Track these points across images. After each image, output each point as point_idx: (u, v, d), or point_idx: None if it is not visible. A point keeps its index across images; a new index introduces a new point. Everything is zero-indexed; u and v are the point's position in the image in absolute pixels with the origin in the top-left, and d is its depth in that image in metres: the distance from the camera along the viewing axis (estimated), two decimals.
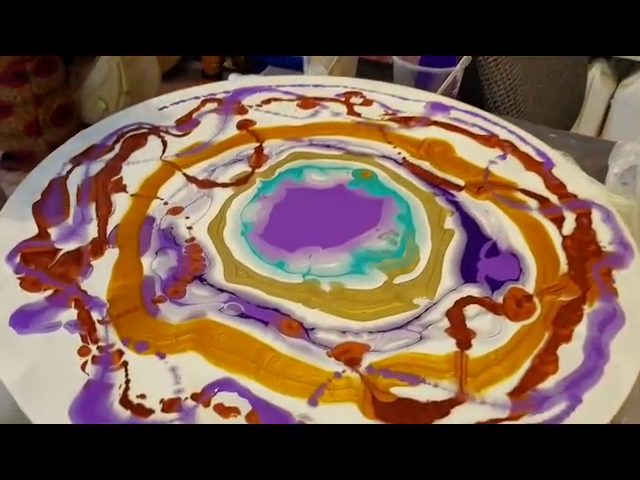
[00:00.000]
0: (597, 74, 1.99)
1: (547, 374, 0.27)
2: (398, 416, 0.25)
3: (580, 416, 0.25)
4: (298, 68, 0.58)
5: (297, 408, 0.25)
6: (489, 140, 0.42)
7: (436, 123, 0.44)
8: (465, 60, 0.57)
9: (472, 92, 0.74)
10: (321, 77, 0.50)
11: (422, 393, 0.26)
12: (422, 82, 0.56)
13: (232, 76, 0.51)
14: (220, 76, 1.30)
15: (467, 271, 0.32)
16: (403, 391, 0.26)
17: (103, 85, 0.53)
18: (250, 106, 0.45)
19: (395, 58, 0.56)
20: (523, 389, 0.26)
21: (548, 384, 0.26)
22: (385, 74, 0.62)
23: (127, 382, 0.26)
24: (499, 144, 0.41)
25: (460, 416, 0.25)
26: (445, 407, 0.26)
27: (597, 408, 0.26)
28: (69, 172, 0.38)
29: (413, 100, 0.46)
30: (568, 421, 0.25)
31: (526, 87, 0.77)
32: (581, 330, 0.29)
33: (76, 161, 0.39)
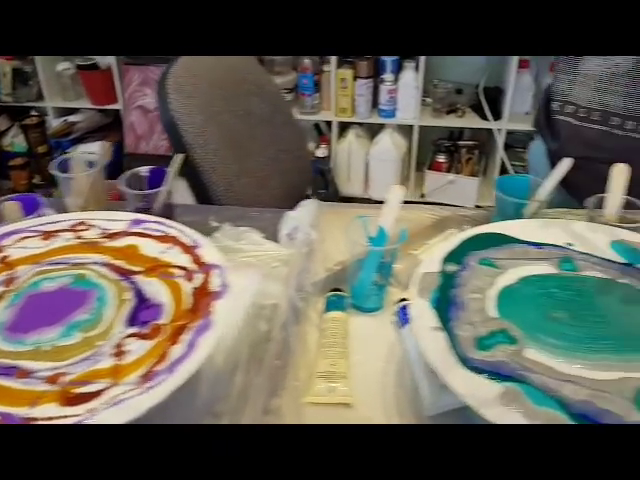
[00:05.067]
0: (353, 137, 2.43)
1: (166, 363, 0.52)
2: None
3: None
4: None
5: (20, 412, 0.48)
6: (163, 238, 0.68)
7: (132, 234, 0.69)
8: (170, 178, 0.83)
9: (202, 194, 1.02)
10: (59, 215, 0.74)
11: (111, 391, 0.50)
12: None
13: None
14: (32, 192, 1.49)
15: (133, 319, 0.57)
16: (84, 389, 0.50)
17: None
18: (6, 246, 0.67)
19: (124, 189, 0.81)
20: (149, 374, 0.51)
21: (160, 367, 0.51)
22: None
23: None
24: (168, 240, 0.68)
25: (111, 393, 0.49)
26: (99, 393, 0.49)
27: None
28: None
29: (120, 220, 0.71)
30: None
31: (244, 180, 1.07)
32: (185, 337, 0.54)
33: None
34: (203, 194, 0.99)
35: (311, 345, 0.69)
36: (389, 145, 2.35)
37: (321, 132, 2.56)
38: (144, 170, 0.86)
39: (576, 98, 0.92)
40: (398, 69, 2.29)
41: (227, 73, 1.12)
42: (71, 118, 2.53)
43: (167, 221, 0.71)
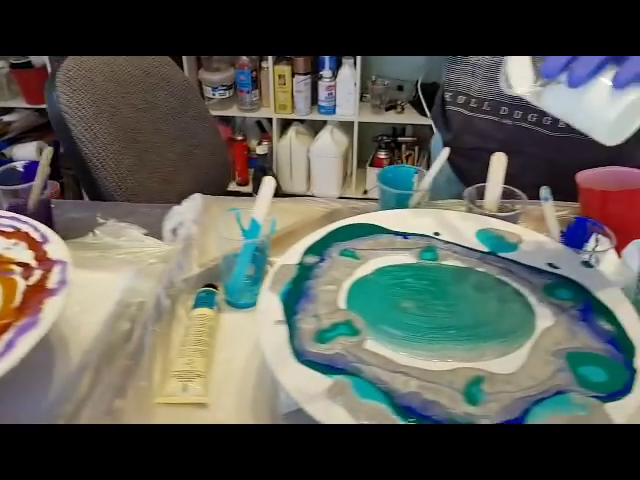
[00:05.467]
0: (293, 134, 2.41)
1: None
2: None
3: None
4: None
5: None
6: (12, 234, 0.65)
7: None
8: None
9: (93, 190, 0.98)
10: None
11: None
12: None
13: None
14: None
15: None
16: None
17: None
18: None
19: None
20: None
21: None
22: None
23: None
24: (17, 235, 0.64)
25: None
26: None
27: None
28: None
29: None
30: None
31: (142, 175, 1.03)
32: (5, 337, 0.51)
33: None
34: (94, 191, 0.96)
35: (175, 344, 0.67)
36: (329, 142, 2.34)
37: (263, 129, 2.53)
38: (19, 165, 0.83)
39: (467, 88, 0.91)
40: (336, 65, 2.28)
41: (127, 66, 1.09)
42: (6, 118, 2.46)
43: (22, 217, 0.68)
